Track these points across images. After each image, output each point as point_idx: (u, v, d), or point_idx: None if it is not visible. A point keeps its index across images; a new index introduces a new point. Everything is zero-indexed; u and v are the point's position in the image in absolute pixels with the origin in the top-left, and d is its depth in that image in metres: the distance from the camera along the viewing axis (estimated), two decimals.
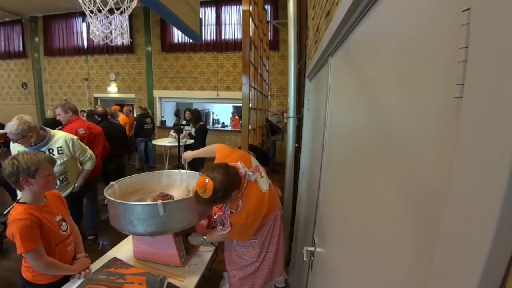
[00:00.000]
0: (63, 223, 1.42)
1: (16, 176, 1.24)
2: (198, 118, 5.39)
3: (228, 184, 1.29)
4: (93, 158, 2.54)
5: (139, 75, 8.77)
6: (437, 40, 0.34)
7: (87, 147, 2.51)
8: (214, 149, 1.84)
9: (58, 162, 2.17)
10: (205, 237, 1.60)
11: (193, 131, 5.31)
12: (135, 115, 7.07)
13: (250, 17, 2.32)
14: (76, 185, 2.44)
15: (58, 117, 2.94)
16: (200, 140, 5.15)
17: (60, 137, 2.25)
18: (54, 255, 1.32)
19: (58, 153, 2.21)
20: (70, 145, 2.28)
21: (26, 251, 1.21)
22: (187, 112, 5.34)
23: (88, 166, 2.51)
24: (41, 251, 1.26)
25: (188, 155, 1.90)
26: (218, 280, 2.16)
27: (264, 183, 1.51)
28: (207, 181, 1.25)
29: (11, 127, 2.00)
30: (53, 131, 2.28)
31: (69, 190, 2.37)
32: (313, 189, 1.52)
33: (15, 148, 2.17)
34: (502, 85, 0.21)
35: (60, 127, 2.83)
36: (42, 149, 2.14)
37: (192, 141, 5.39)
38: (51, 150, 2.19)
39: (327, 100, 1.22)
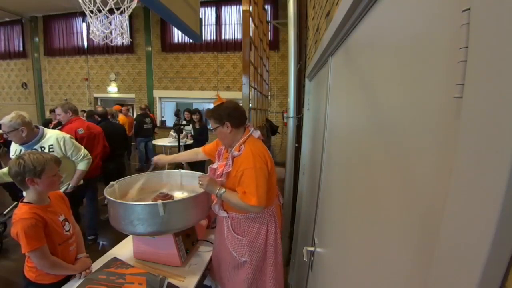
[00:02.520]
0: (66, 223, 1.42)
1: (22, 175, 1.24)
2: (202, 118, 5.37)
3: (230, 111, 1.46)
4: (88, 158, 2.46)
5: (139, 75, 8.78)
6: (437, 40, 0.34)
7: (81, 146, 2.45)
8: (197, 151, 1.84)
9: None
10: (223, 191, 1.41)
11: (192, 131, 5.30)
12: (134, 115, 7.06)
13: (250, 17, 2.32)
14: (69, 185, 2.39)
15: (57, 117, 2.93)
16: (204, 139, 5.10)
17: (52, 136, 2.23)
18: (57, 255, 1.32)
19: (49, 151, 2.20)
20: (62, 143, 2.25)
21: (31, 250, 1.21)
22: (186, 113, 5.34)
23: (82, 166, 2.43)
24: (45, 251, 1.26)
25: (162, 159, 1.78)
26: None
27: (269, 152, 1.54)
28: (223, 99, 1.52)
29: (5, 119, 2.02)
30: (46, 130, 2.26)
31: (61, 190, 2.36)
32: (313, 189, 1.52)
33: (14, 146, 2.17)
34: (502, 85, 0.21)
35: (60, 127, 2.83)
36: (34, 147, 2.13)
37: (191, 141, 5.38)
38: (43, 148, 2.17)
39: (327, 100, 1.22)
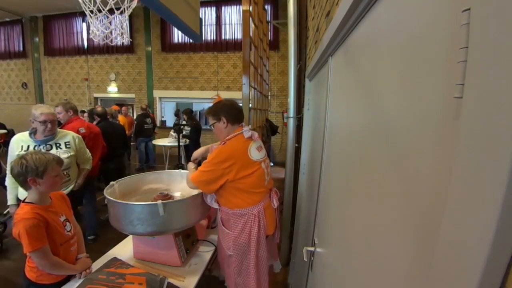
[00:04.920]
0: (67, 223, 1.42)
1: (24, 176, 1.24)
2: (192, 117, 5.44)
3: (227, 108, 1.55)
4: (91, 158, 2.61)
5: (139, 75, 8.77)
6: (437, 40, 0.34)
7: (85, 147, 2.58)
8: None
9: (67, 155, 2.23)
10: (193, 167, 1.65)
11: (189, 131, 5.34)
12: (135, 115, 7.05)
13: (250, 17, 2.32)
14: (76, 183, 2.46)
15: (57, 116, 2.92)
16: (194, 139, 5.17)
17: (68, 133, 2.34)
18: (58, 255, 1.32)
19: (66, 147, 2.26)
20: (77, 141, 2.37)
21: (33, 250, 1.21)
22: (184, 116, 5.39)
23: (88, 165, 2.57)
24: (47, 251, 1.26)
25: (197, 153, 1.76)
26: (218, 280, 2.16)
27: (256, 154, 1.53)
28: (222, 98, 1.63)
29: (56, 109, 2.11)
30: (59, 129, 2.35)
31: (70, 188, 2.37)
32: (313, 189, 1.52)
33: (19, 141, 2.11)
34: (502, 85, 0.21)
35: (59, 127, 2.83)
36: (50, 143, 2.17)
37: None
38: (58, 145, 2.22)
39: (327, 100, 1.22)
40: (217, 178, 1.43)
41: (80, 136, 2.45)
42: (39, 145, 2.11)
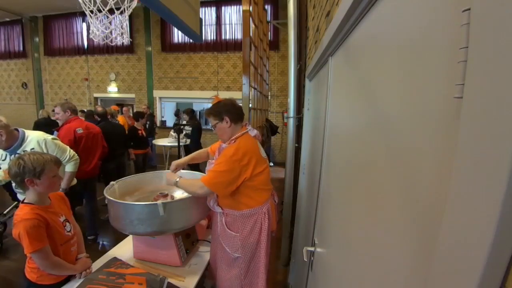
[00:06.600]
0: (67, 223, 1.42)
1: (21, 176, 1.23)
2: (193, 117, 5.44)
3: (228, 107, 1.52)
4: (75, 159, 2.35)
5: (139, 75, 8.77)
6: (437, 40, 0.34)
7: (66, 147, 2.33)
8: (206, 150, 1.84)
9: None
10: (177, 179, 1.51)
11: (191, 131, 5.33)
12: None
13: (250, 17, 2.32)
14: (60, 188, 2.25)
15: (56, 116, 2.91)
16: (195, 139, 5.17)
17: (32, 138, 2.11)
18: (58, 255, 1.32)
19: None
20: (43, 145, 2.13)
21: (34, 251, 1.20)
22: (184, 116, 5.38)
23: (69, 168, 2.32)
24: (48, 251, 1.25)
25: (179, 163, 1.73)
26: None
27: (263, 152, 1.56)
28: (220, 98, 1.58)
29: None
30: (28, 132, 2.14)
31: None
32: (313, 189, 1.52)
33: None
34: (502, 85, 0.21)
35: (57, 128, 2.83)
36: (18, 151, 2.03)
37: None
38: (24, 152, 2.10)
39: (327, 100, 1.22)
40: (236, 177, 1.40)
41: (49, 138, 2.19)
42: (11, 155, 2.02)
